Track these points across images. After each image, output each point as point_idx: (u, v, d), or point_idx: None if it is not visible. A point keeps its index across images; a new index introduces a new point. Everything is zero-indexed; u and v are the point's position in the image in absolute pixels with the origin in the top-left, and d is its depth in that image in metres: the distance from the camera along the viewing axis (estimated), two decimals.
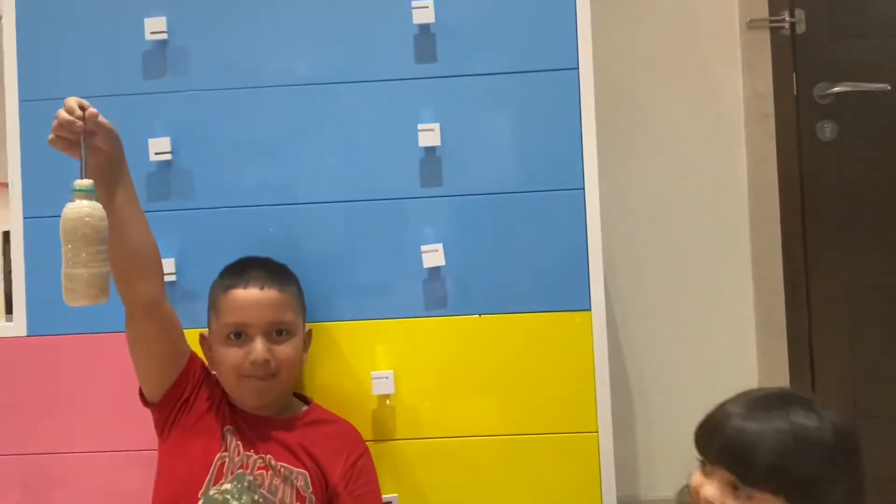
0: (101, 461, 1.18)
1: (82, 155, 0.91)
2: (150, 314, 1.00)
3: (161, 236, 1.18)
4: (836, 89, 1.68)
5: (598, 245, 1.17)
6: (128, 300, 1.00)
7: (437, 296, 1.18)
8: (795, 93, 1.70)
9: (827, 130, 1.70)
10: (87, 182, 0.89)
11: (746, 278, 1.69)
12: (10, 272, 1.25)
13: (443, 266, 1.17)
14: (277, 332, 1.04)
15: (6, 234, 1.36)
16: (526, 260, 1.18)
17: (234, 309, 1.04)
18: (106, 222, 0.88)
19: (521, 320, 1.18)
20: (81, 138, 0.90)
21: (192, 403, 1.05)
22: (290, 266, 1.14)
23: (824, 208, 1.70)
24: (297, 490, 1.02)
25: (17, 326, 1.21)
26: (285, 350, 1.04)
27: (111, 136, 0.95)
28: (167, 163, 1.19)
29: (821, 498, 0.74)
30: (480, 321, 1.18)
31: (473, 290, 1.18)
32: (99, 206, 0.88)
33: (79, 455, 1.19)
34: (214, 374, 1.08)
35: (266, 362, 1.02)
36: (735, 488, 0.76)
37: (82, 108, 0.90)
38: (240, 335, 1.03)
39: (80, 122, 0.89)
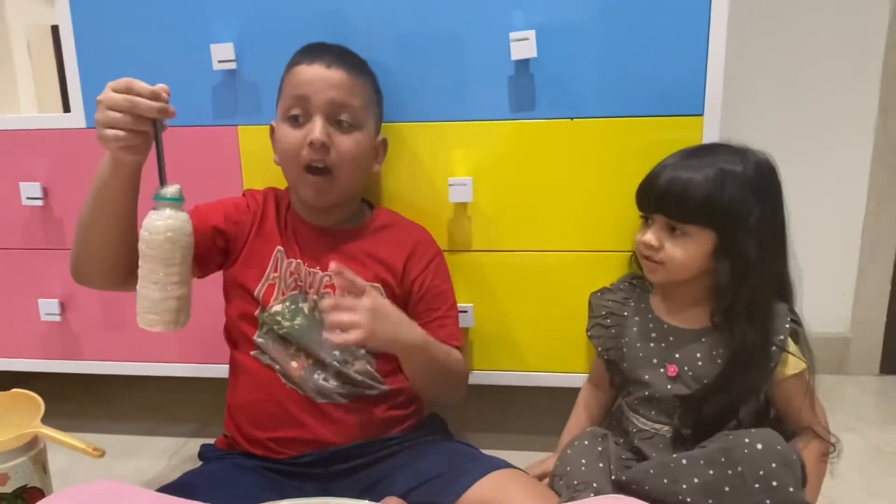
0: None
1: (158, 149, 0.78)
2: None
3: (218, 18, 1.08)
4: None
5: (723, 36, 0.98)
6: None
7: (524, 94, 1.04)
8: None
9: None
10: (173, 189, 0.77)
11: (871, 107, 1.46)
12: (63, 69, 1.17)
13: (533, 59, 1.02)
14: (340, 123, 0.94)
15: (55, 29, 1.27)
16: (631, 53, 1.01)
17: (296, 83, 0.93)
18: (192, 238, 0.78)
19: (619, 125, 1.03)
20: (155, 127, 0.77)
21: (241, 247, 0.98)
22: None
23: None
24: None
25: (74, 118, 1.15)
26: (346, 142, 0.94)
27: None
28: None
29: (742, 220, 0.84)
30: (572, 126, 1.04)
31: (567, 88, 1.03)
32: (185, 216, 0.77)
33: None
34: (261, 201, 1.01)
35: (324, 146, 0.92)
36: (672, 230, 0.87)
37: (153, 94, 0.75)
38: (299, 118, 0.93)
39: (158, 106, 0.75)
